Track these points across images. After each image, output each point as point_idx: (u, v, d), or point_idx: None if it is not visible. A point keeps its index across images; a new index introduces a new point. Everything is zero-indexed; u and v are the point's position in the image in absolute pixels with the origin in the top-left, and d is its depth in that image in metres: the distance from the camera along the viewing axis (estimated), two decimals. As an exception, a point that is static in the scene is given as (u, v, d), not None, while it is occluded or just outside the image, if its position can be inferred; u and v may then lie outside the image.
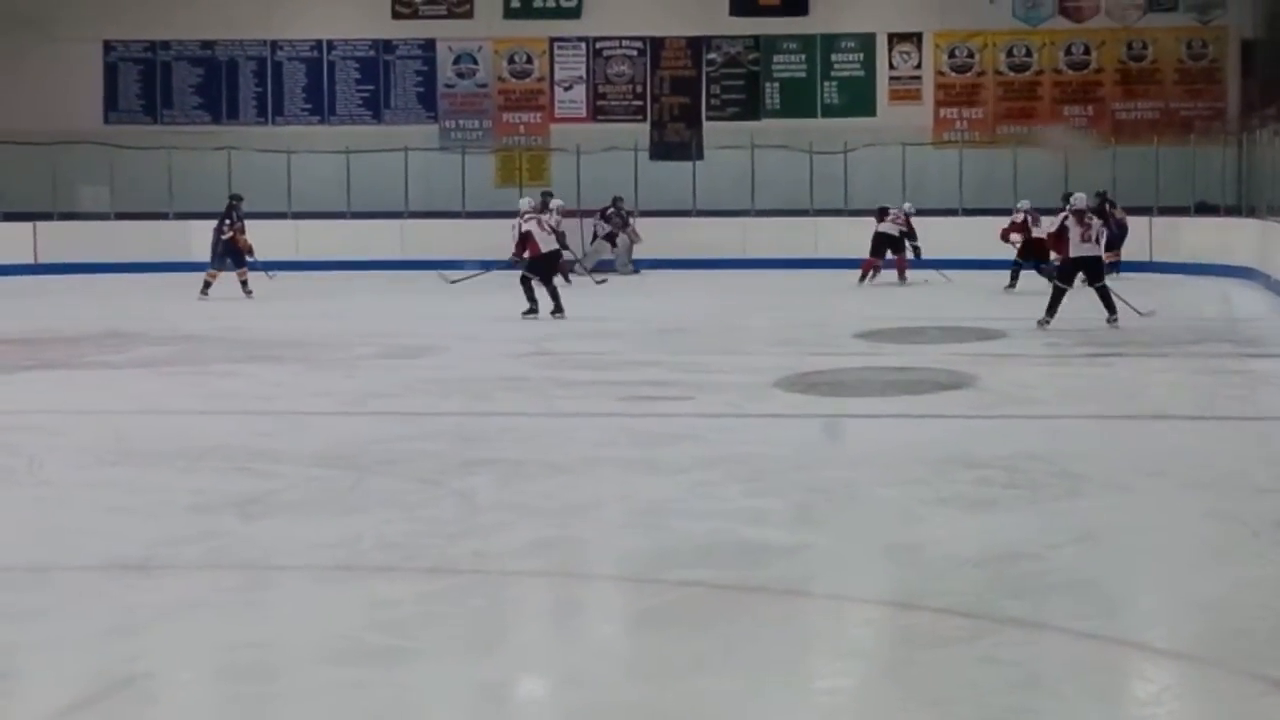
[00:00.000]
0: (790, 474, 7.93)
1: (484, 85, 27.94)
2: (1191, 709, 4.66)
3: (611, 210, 24.88)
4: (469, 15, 27.71)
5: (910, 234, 21.96)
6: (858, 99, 27.28)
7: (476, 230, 23.64)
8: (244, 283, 19.98)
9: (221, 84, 27.99)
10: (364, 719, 4.43)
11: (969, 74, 27.28)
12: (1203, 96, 26.81)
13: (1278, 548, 6.49)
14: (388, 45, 27.94)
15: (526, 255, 16.72)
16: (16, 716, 4.50)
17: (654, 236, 24.60)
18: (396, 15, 27.78)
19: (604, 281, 21.82)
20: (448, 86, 27.95)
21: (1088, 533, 6.57)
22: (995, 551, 6.22)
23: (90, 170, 26.07)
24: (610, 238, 24.76)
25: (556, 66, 27.87)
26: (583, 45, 27.83)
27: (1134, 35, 26.91)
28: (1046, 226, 17.83)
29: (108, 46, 27.87)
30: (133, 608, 5.51)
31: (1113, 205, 22.45)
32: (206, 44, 27.88)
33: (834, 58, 27.42)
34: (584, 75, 27.88)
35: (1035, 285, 18.55)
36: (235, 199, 20.79)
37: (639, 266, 24.54)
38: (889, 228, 21.91)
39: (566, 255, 21.85)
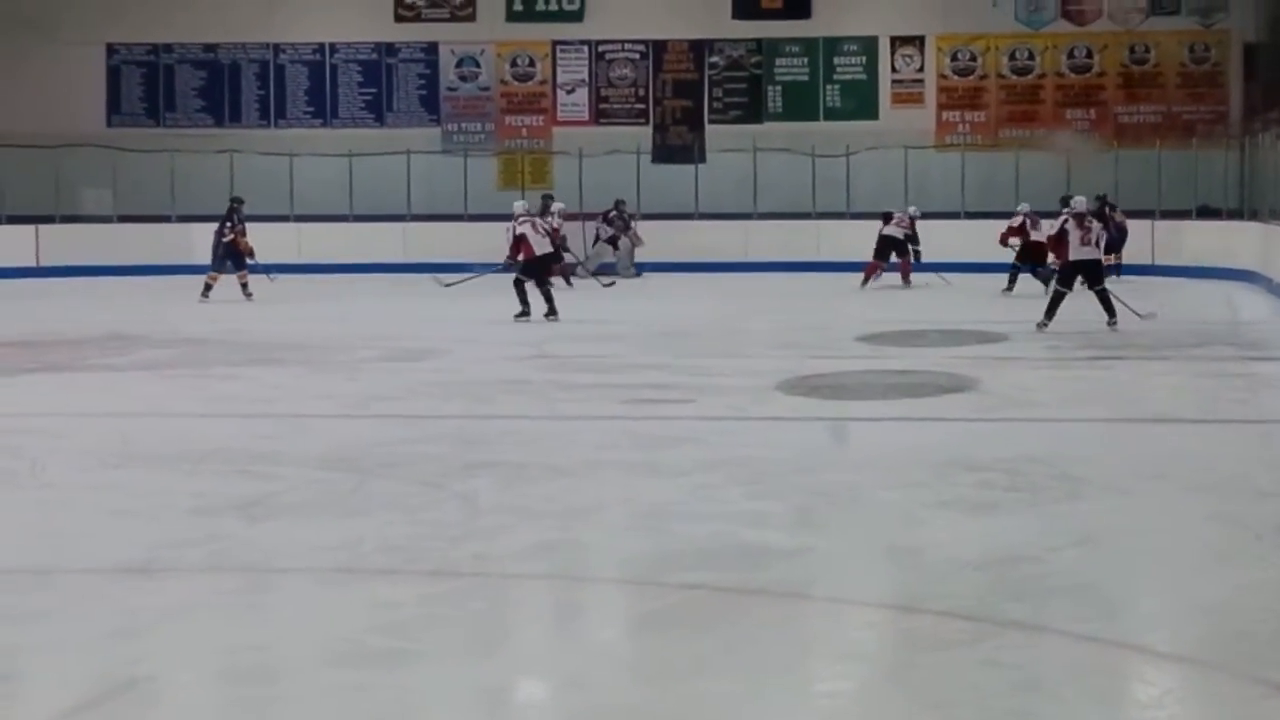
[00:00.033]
0: (791, 477, 7.93)
1: (486, 88, 27.93)
2: (1193, 712, 4.66)
3: (614, 213, 24.85)
4: (471, 18, 27.69)
5: (913, 237, 21.97)
6: (860, 102, 27.26)
7: (479, 233, 23.52)
8: (244, 285, 19.99)
9: (224, 87, 27.98)
10: (365, 721, 4.44)
11: (971, 77, 27.27)
12: (1205, 100, 26.79)
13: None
14: (390, 48, 27.92)
15: (520, 258, 16.72)
16: (19, 719, 4.50)
17: (656, 239, 24.58)
18: (399, 18, 27.76)
19: (612, 284, 21.63)
20: (450, 89, 27.94)
21: (1089, 536, 6.57)
22: (996, 554, 6.22)
23: (92, 173, 26.05)
24: (613, 241, 24.73)
25: (559, 69, 27.85)
26: (585, 48, 27.81)
27: (1136, 38, 26.89)
28: (1046, 230, 17.84)
29: (110, 49, 27.85)
30: (135, 610, 5.51)
31: (1112, 208, 22.44)
32: (209, 47, 27.85)
33: (836, 61, 27.41)
34: (586, 78, 27.86)
35: (1033, 288, 18.58)
36: (236, 201, 20.79)
37: (641, 269, 24.50)
38: (894, 231, 21.91)
39: (569, 258, 21.96)
